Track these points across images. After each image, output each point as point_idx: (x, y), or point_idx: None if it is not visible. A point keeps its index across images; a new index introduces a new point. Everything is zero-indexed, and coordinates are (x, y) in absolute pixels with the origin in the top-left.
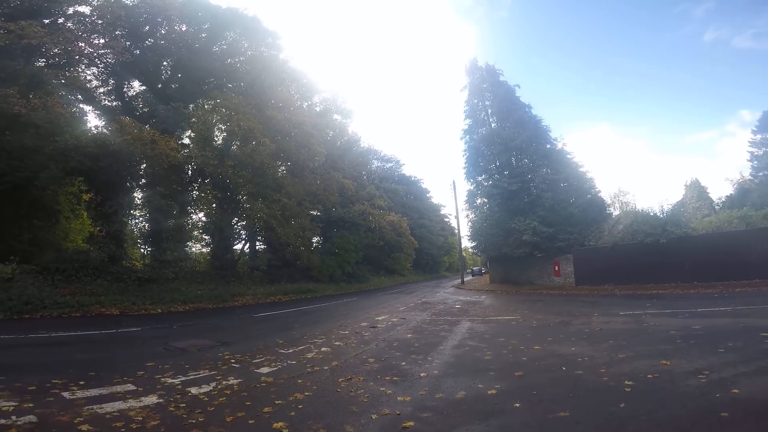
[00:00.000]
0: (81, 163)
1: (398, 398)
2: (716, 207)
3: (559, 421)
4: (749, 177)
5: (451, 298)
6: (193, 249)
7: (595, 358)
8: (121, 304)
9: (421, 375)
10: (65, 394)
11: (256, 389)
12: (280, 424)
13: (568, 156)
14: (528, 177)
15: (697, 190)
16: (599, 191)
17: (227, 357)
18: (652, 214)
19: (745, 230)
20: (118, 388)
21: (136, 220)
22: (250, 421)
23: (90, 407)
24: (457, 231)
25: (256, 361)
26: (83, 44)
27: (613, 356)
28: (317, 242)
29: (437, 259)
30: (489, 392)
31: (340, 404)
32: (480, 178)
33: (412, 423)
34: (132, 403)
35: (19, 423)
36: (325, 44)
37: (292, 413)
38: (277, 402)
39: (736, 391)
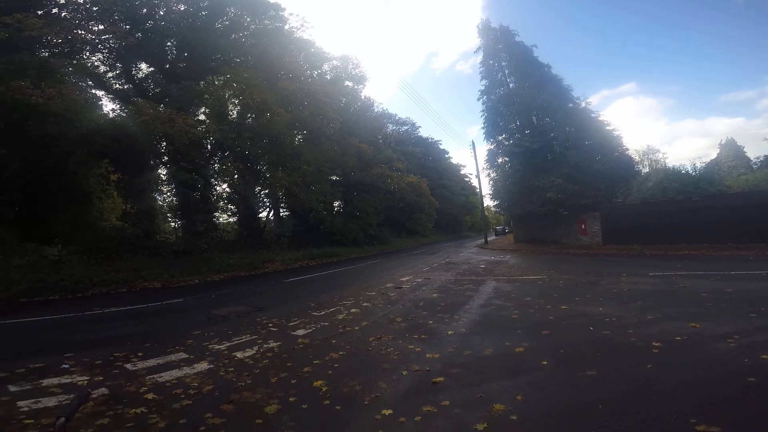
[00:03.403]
0: (104, 145)
1: (427, 355)
2: (754, 166)
3: (586, 379)
4: None
5: (475, 258)
6: (221, 219)
7: (623, 319)
8: (161, 278)
9: (449, 333)
10: (128, 366)
11: (294, 351)
12: (320, 382)
13: (593, 115)
14: (551, 136)
15: (733, 149)
16: (627, 149)
17: (265, 321)
18: (683, 171)
19: None
20: (173, 357)
21: (164, 196)
22: (292, 381)
23: (151, 377)
24: (478, 190)
25: (292, 324)
26: (83, 32)
27: (641, 317)
28: (338, 206)
29: (459, 219)
30: (517, 350)
31: (372, 362)
32: (500, 138)
33: (441, 378)
34: (186, 370)
35: (94, 396)
36: (330, 11)
37: (330, 372)
38: (315, 362)
39: (765, 357)
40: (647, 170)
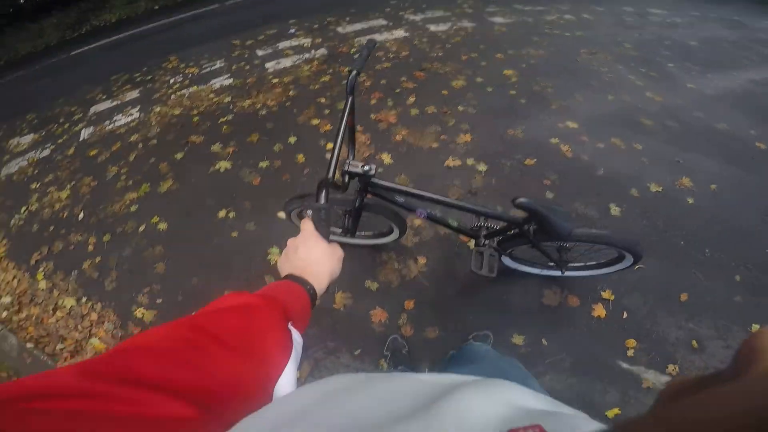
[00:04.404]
0: None
1: (647, 93)
2: None
3: None
4: None
5: None
6: None
7: None
8: None
9: (688, 86)
10: (339, 29)
11: (488, 36)
12: (511, 72)
13: None
14: None
15: None
16: None
17: (460, 1)
18: None
19: None
20: (374, 23)
21: None
22: (482, 63)
23: (358, 39)
24: None
25: (489, 10)
26: None
27: None
28: None
29: None
30: (757, 144)
31: (577, 73)
32: None
33: (650, 123)
34: (386, 35)
35: (317, 56)
36: None
37: (524, 65)
38: (509, 51)
39: None
40: None
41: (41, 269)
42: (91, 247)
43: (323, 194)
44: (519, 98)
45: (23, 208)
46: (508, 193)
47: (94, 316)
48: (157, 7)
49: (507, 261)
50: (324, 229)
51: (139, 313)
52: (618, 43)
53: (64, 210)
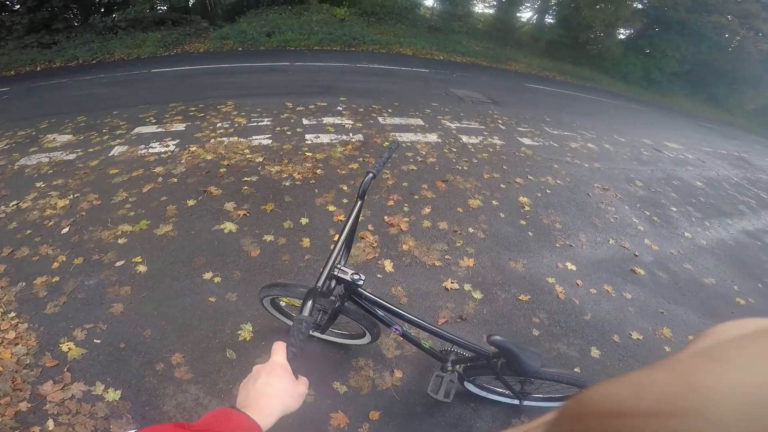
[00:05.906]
0: None
1: (645, 240)
2: None
3: None
4: None
5: None
6: (478, 8)
7: None
8: (413, 47)
9: (686, 234)
10: (380, 119)
11: (513, 156)
12: (525, 200)
13: None
14: None
15: None
16: None
17: (496, 116)
18: None
19: None
20: (412, 121)
21: None
22: (501, 185)
23: (394, 134)
24: None
25: (521, 129)
26: None
27: None
28: (628, 35)
29: None
30: (738, 300)
31: (584, 210)
32: None
33: (642, 272)
34: (420, 137)
35: (353, 140)
36: None
37: (538, 194)
38: (528, 177)
39: None
40: None
41: None
42: (56, 265)
43: (309, 306)
44: (528, 229)
45: (13, 203)
46: (496, 324)
47: (11, 334)
48: (240, 49)
49: (470, 387)
50: (300, 343)
51: (65, 347)
52: (630, 179)
53: (53, 219)
